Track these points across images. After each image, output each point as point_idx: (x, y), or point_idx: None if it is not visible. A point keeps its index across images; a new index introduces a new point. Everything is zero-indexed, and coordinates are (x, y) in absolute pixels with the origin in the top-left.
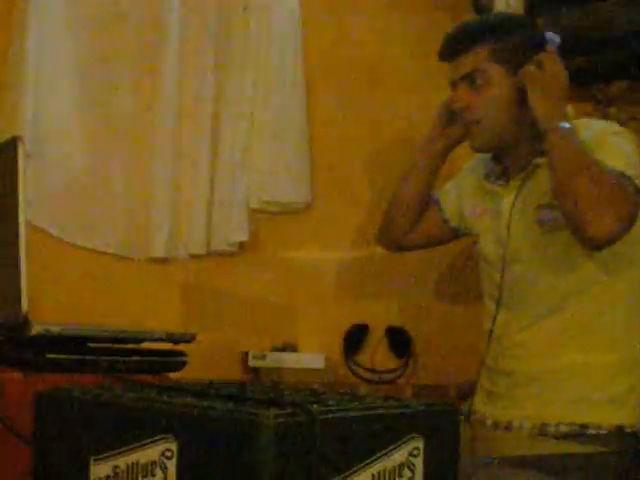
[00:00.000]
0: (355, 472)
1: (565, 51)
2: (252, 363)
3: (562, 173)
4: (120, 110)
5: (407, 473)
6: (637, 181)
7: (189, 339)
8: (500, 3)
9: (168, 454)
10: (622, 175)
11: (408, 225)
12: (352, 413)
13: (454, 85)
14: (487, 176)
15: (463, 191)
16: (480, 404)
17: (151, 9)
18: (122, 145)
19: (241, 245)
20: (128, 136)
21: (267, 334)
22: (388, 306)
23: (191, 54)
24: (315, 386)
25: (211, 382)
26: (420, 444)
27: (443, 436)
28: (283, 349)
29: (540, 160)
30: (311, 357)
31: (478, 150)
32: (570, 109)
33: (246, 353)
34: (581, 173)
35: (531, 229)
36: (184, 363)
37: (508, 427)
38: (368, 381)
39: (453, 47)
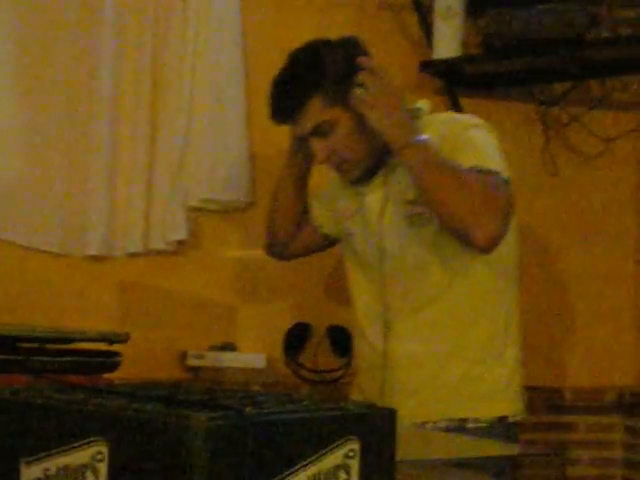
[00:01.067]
0: (290, 475)
1: (509, 51)
2: (191, 363)
3: (428, 190)
4: (56, 106)
5: (342, 475)
6: (504, 174)
7: (123, 339)
8: (441, 4)
9: (99, 457)
10: (489, 172)
11: (286, 238)
12: (287, 416)
13: (303, 140)
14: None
15: (334, 195)
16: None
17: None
18: (58, 142)
19: (180, 244)
20: (64, 133)
21: (206, 333)
22: (330, 305)
23: (128, 49)
24: (254, 387)
25: (145, 383)
26: (356, 446)
27: (379, 438)
28: (222, 348)
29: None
30: (251, 357)
31: (356, 181)
32: (425, 104)
33: (184, 352)
34: (448, 186)
35: (400, 225)
36: (118, 364)
37: None
38: (310, 381)
39: (283, 114)
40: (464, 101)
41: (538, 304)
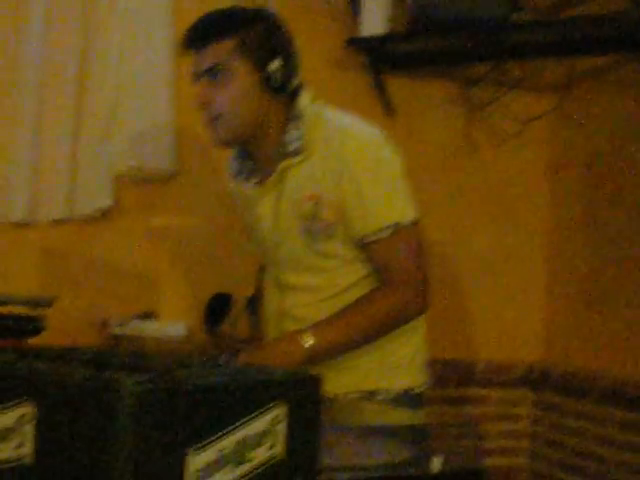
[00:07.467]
0: (217, 439)
1: (433, 31)
2: (112, 331)
3: (360, 346)
4: None
5: (269, 440)
6: (409, 217)
7: (48, 303)
8: None
9: (25, 419)
10: (394, 229)
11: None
12: (215, 380)
13: (197, 77)
14: (237, 176)
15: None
16: None
17: None
18: None
19: (104, 211)
20: None
21: (128, 301)
22: (251, 276)
23: (57, 15)
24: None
25: (72, 348)
26: (283, 412)
27: (306, 404)
28: (144, 317)
29: (289, 162)
30: (172, 325)
31: (221, 144)
32: (305, 94)
33: (106, 320)
34: (365, 334)
35: (296, 237)
36: (42, 328)
37: None
38: (229, 350)
39: (198, 38)
40: (388, 79)
41: (452, 280)
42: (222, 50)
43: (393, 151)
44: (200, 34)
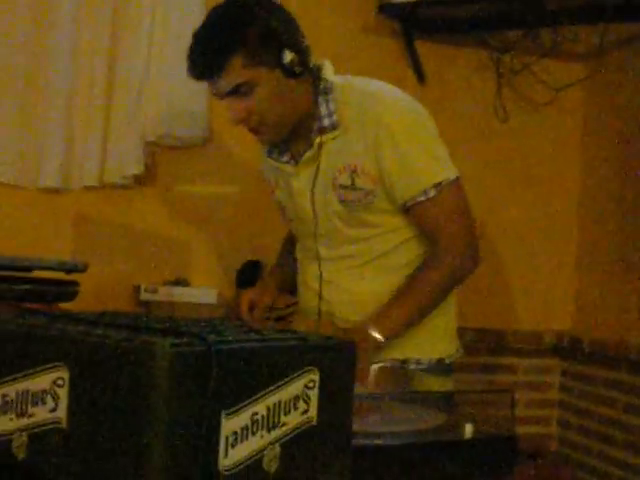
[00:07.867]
0: (250, 403)
1: None
2: (144, 297)
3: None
4: (15, 40)
5: (302, 405)
6: (450, 174)
7: (82, 268)
8: None
9: (60, 382)
10: (439, 188)
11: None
12: (249, 344)
13: (220, 98)
14: (270, 153)
15: (266, 168)
16: None
17: None
18: (15, 73)
19: (136, 178)
20: (22, 65)
21: (160, 268)
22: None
23: None
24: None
25: (105, 312)
26: (316, 377)
27: (338, 370)
28: (175, 283)
29: (323, 138)
30: (203, 292)
31: (270, 144)
32: (328, 66)
33: (138, 287)
34: (432, 304)
35: (334, 210)
36: (76, 293)
37: None
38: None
39: (201, 72)
40: (419, 45)
41: (483, 250)
42: (232, 73)
43: (426, 113)
44: (203, 68)
